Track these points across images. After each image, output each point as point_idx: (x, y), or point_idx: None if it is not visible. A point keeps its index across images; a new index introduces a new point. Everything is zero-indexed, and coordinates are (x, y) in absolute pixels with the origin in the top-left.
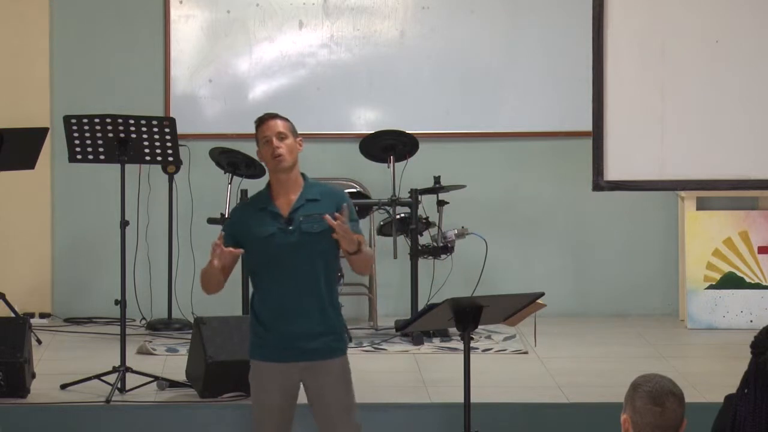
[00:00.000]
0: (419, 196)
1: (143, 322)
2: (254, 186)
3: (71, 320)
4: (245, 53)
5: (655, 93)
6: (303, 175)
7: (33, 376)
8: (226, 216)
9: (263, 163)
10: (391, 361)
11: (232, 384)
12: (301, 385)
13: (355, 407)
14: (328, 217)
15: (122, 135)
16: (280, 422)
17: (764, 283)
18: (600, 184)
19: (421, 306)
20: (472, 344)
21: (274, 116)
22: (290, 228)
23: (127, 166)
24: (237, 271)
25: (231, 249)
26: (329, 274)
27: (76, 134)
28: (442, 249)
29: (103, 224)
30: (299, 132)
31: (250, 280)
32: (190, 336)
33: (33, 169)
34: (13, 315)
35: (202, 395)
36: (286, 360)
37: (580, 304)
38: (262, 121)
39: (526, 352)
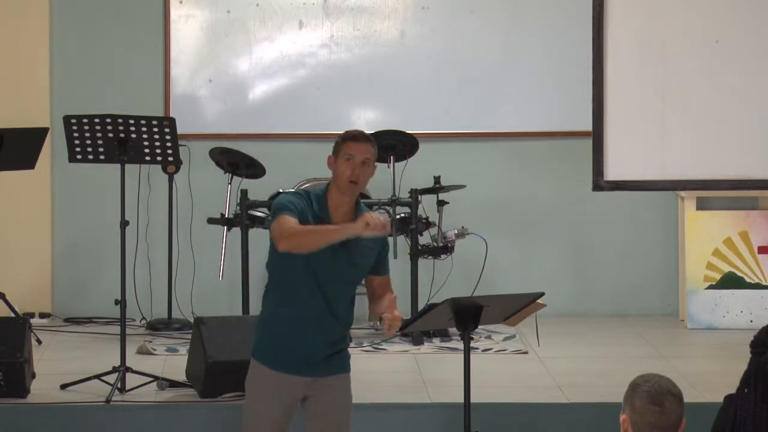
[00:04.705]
0: (419, 196)
1: (143, 322)
2: (254, 186)
3: (71, 320)
4: (245, 53)
5: (655, 93)
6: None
7: (33, 376)
8: (226, 216)
9: (331, 172)
10: (391, 361)
11: (232, 384)
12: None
13: (352, 427)
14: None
15: (122, 135)
16: None
17: (764, 283)
18: (600, 184)
19: (421, 306)
20: (472, 344)
21: (369, 139)
22: (342, 251)
23: (127, 166)
24: (236, 271)
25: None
26: (353, 300)
27: (76, 134)
28: (442, 249)
29: (103, 224)
30: (299, 132)
31: (272, 279)
32: (190, 336)
33: (33, 169)
34: (13, 315)
35: (202, 395)
36: (296, 372)
37: (580, 304)
38: (355, 138)
39: (526, 352)
